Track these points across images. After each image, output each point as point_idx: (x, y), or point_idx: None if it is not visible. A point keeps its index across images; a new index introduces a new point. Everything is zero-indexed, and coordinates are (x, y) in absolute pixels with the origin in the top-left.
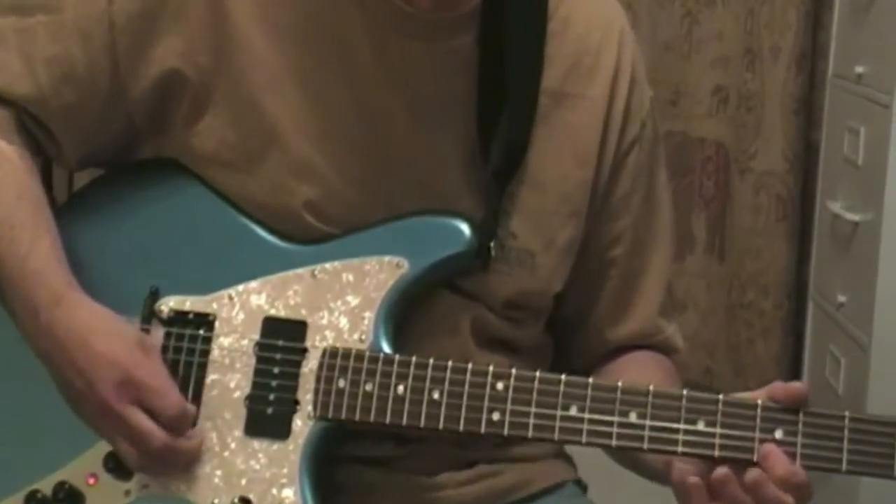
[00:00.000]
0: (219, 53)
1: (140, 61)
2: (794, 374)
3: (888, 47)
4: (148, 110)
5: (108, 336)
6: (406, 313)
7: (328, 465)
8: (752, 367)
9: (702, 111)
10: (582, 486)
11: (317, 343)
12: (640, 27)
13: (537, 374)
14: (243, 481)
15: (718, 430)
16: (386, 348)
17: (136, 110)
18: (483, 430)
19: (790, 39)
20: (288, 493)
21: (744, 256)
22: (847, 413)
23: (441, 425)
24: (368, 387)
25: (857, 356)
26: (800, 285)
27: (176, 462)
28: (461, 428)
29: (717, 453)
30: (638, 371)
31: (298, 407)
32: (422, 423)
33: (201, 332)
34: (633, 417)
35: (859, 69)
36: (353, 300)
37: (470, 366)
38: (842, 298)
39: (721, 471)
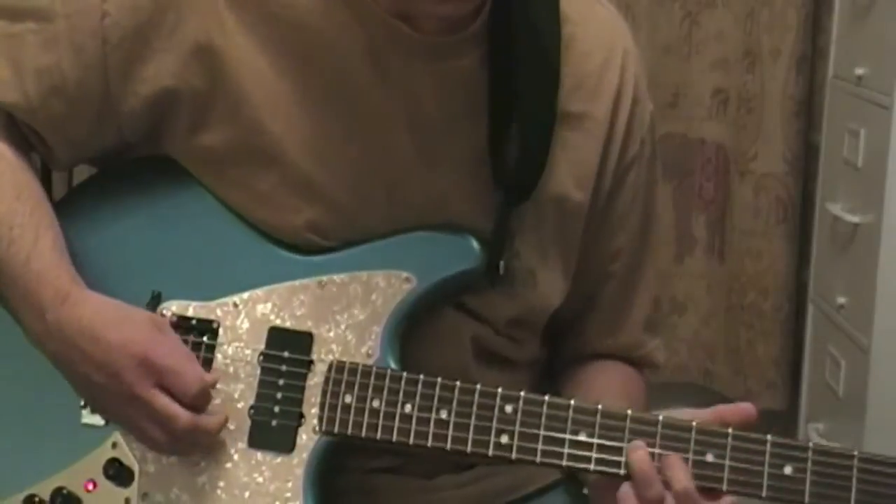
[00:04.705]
0: (214, 73)
1: (132, 79)
2: (794, 375)
3: (888, 49)
4: (141, 126)
5: (119, 325)
6: (412, 328)
7: (333, 475)
8: (752, 368)
9: (702, 113)
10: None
11: (323, 356)
12: (640, 29)
13: (546, 398)
14: (246, 494)
15: (728, 463)
16: (392, 364)
17: (128, 125)
18: (491, 452)
19: (790, 41)
20: None
21: (744, 258)
22: (856, 452)
23: (448, 446)
24: (375, 403)
25: (857, 358)
26: (800, 287)
27: (203, 440)
28: (469, 450)
29: (725, 487)
30: (603, 386)
31: (303, 420)
32: (429, 443)
33: (205, 339)
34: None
35: (859, 71)
36: (361, 314)
37: (478, 387)
38: (842, 300)
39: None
